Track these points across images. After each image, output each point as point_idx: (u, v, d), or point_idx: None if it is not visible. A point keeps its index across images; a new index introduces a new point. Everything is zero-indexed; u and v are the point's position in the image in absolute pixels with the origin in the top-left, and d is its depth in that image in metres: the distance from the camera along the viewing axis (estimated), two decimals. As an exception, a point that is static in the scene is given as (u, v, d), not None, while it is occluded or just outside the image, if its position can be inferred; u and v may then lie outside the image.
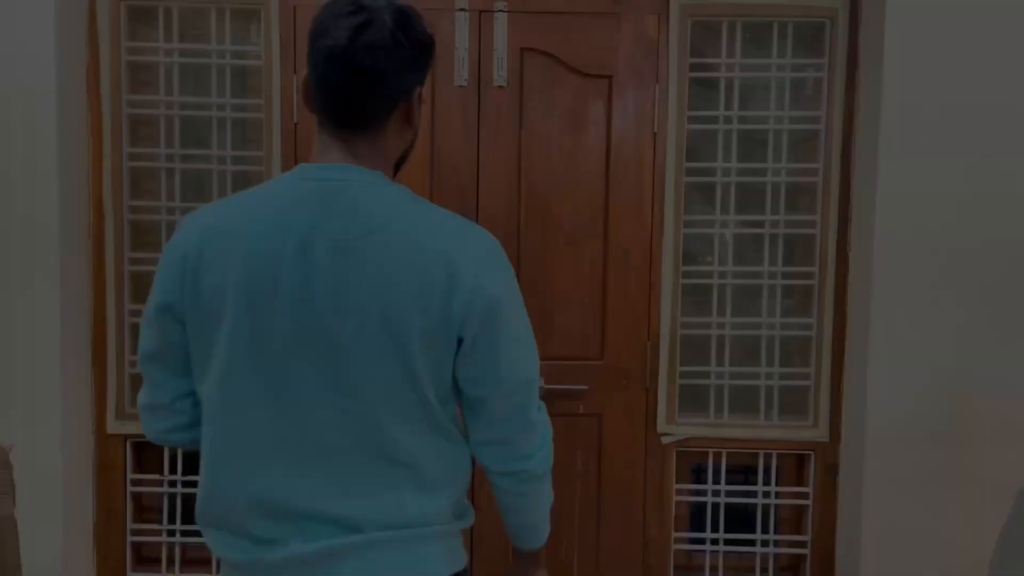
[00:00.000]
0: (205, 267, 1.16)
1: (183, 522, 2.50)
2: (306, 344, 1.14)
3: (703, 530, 2.52)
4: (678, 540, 2.52)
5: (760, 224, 2.46)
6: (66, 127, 2.28)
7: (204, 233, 1.18)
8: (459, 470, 1.27)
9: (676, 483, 2.50)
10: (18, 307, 2.25)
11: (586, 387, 2.45)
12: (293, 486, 1.17)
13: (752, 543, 2.52)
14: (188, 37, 2.45)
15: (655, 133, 2.41)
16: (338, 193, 1.16)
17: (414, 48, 1.17)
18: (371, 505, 1.18)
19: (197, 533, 1.40)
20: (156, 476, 2.50)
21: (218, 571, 1.47)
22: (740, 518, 2.55)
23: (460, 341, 1.17)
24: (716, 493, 2.51)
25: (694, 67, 2.43)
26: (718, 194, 2.46)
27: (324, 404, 1.15)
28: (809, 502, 2.49)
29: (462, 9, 2.39)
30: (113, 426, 2.45)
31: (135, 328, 2.48)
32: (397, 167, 1.28)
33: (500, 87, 2.40)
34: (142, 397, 1.30)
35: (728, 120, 2.44)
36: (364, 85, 1.15)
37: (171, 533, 2.50)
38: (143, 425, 1.32)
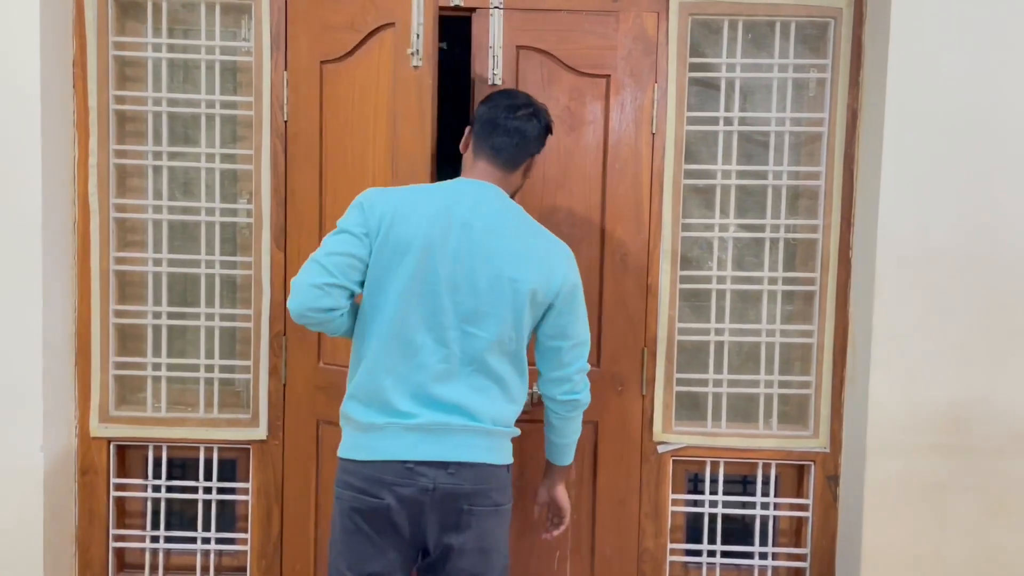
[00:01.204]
0: (398, 220, 1.74)
1: (167, 528, 2.44)
2: (457, 287, 1.74)
3: (700, 541, 2.46)
4: (674, 551, 2.46)
5: (760, 228, 2.41)
6: (51, 122, 2.23)
7: (398, 200, 1.78)
8: (524, 392, 1.87)
9: (672, 493, 2.44)
10: (0, 306, 2.21)
11: (581, 393, 2.39)
12: (430, 379, 1.74)
13: (750, 555, 2.46)
14: (177, 32, 2.41)
15: (654, 134, 2.36)
16: (484, 195, 1.82)
17: (545, 132, 1.92)
18: (481, 402, 1.77)
19: (181, 539, 1.46)
20: (140, 481, 2.45)
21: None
22: (738, 529, 2.50)
23: (550, 307, 1.81)
24: (713, 504, 2.45)
25: (694, 67, 2.37)
26: (717, 197, 2.40)
27: (459, 329, 1.75)
28: (809, 514, 2.43)
29: (457, 6, 2.34)
30: (97, 429, 2.40)
31: (120, 328, 2.43)
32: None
33: (495, 86, 2.34)
34: (313, 277, 1.72)
35: (728, 121, 2.39)
36: (519, 149, 1.87)
37: (155, 539, 2.45)
38: (299, 299, 1.72)
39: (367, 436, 1.77)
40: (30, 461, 2.23)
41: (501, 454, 1.82)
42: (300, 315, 1.73)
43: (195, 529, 2.44)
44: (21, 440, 2.22)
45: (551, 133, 1.94)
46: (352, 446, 1.79)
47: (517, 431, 1.87)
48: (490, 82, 2.33)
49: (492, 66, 2.32)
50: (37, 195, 2.19)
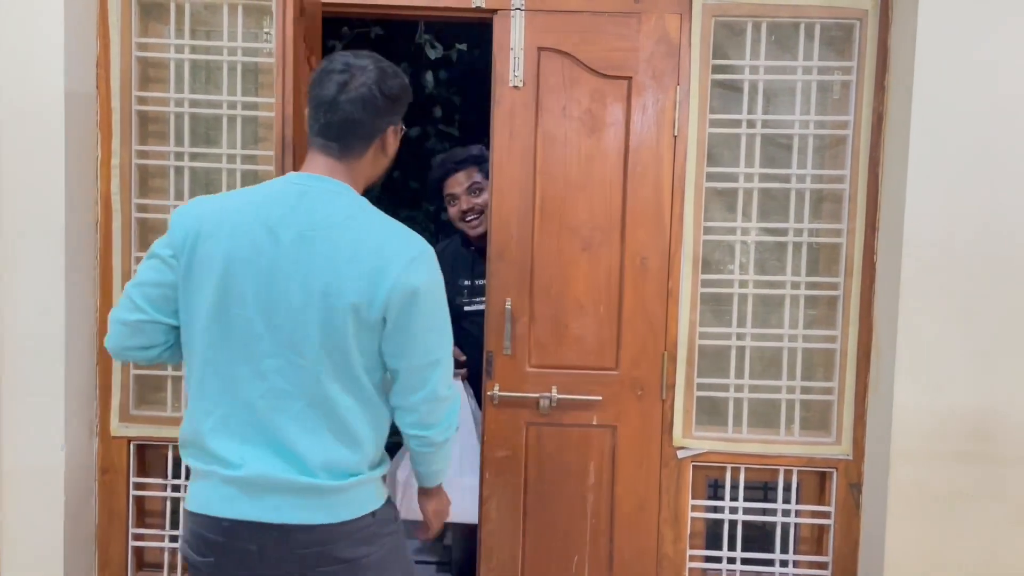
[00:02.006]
0: (203, 238, 1.49)
1: (186, 527, 2.45)
2: (270, 308, 1.47)
3: (719, 548, 2.43)
4: (693, 558, 2.44)
5: (783, 232, 2.38)
6: (74, 123, 2.25)
7: (206, 212, 1.52)
8: (378, 427, 1.58)
9: (692, 499, 2.42)
10: (22, 305, 2.22)
11: (600, 397, 2.38)
12: (251, 419, 1.50)
13: (770, 563, 2.43)
14: (199, 33, 2.42)
15: (675, 136, 2.34)
16: (304, 195, 1.52)
17: (388, 99, 1.56)
18: (311, 447, 1.50)
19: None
20: (160, 480, 2.46)
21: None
22: (758, 536, 2.47)
23: (385, 321, 1.50)
24: (733, 510, 2.42)
25: (717, 69, 2.35)
26: (740, 200, 2.38)
27: (280, 357, 1.48)
28: (830, 521, 2.40)
29: (478, 8, 2.33)
30: (117, 428, 2.41)
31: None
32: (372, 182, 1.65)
33: (516, 87, 2.33)
34: (123, 313, 1.56)
35: (752, 124, 2.36)
36: (345, 127, 1.54)
37: (174, 539, 2.45)
38: (112, 338, 1.57)
39: (194, 484, 1.57)
40: (51, 460, 2.24)
41: (349, 507, 1.54)
42: (117, 354, 1.59)
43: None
44: (43, 439, 2.24)
45: (395, 97, 1.58)
46: (189, 493, 1.59)
47: (377, 472, 1.60)
48: (511, 84, 2.32)
49: (513, 68, 2.32)
50: (60, 195, 2.21)
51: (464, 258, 2.82)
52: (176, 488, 2.45)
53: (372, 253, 1.48)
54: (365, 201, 1.58)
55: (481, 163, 2.72)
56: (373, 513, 1.58)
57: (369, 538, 1.56)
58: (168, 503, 2.45)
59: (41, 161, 2.20)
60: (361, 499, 1.56)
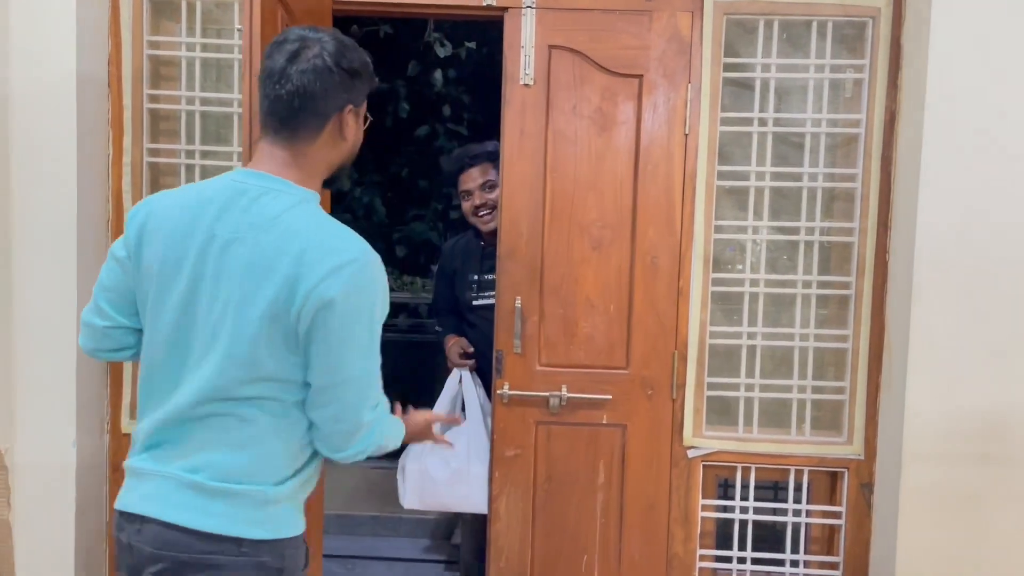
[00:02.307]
0: (145, 239, 1.43)
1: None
2: (193, 312, 1.39)
3: (730, 548, 2.42)
4: (704, 557, 2.43)
5: (795, 231, 2.37)
6: (86, 121, 2.26)
7: (151, 212, 1.45)
8: (293, 448, 1.44)
9: (702, 498, 2.41)
10: (34, 303, 2.23)
11: (610, 396, 2.37)
12: (166, 419, 1.41)
13: (781, 563, 2.42)
14: (210, 32, 2.42)
15: (686, 134, 2.33)
16: (242, 195, 1.41)
17: (345, 73, 1.42)
18: (216, 449, 1.40)
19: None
20: (170, 477, 2.46)
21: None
22: (769, 536, 2.46)
23: (296, 330, 1.37)
24: (744, 510, 2.41)
25: (728, 67, 2.34)
26: (751, 199, 2.37)
27: (204, 364, 1.39)
28: (842, 521, 2.39)
29: (489, 5, 2.33)
30: (128, 425, 2.41)
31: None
32: (334, 176, 1.54)
33: (526, 85, 2.33)
34: (91, 316, 1.52)
35: (763, 122, 2.35)
36: (294, 102, 1.40)
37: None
38: (85, 340, 1.55)
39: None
40: (63, 456, 2.25)
41: (214, 518, 1.37)
42: (91, 355, 1.56)
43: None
44: (55, 436, 2.25)
45: (353, 72, 1.44)
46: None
47: (280, 496, 1.42)
48: (521, 82, 2.32)
49: (524, 66, 2.31)
50: (72, 192, 2.22)
51: (475, 252, 2.84)
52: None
53: (292, 260, 1.35)
54: (308, 201, 1.44)
55: (495, 159, 2.70)
56: (238, 541, 1.38)
57: (223, 568, 1.37)
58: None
59: (53, 158, 2.20)
60: (244, 518, 1.39)
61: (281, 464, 1.44)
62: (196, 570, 1.36)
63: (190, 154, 2.40)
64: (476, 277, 2.82)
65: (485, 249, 2.79)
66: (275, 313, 1.35)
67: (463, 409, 2.66)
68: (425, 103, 5.73)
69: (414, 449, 2.62)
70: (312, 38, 1.42)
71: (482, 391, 2.68)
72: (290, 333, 1.36)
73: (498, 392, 2.39)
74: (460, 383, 2.69)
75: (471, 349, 2.73)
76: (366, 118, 1.54)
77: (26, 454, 2.24)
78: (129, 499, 1.43)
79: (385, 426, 1.51)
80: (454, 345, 2.79)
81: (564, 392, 2.36)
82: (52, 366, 2.23)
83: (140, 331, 1.49)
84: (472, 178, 2.74)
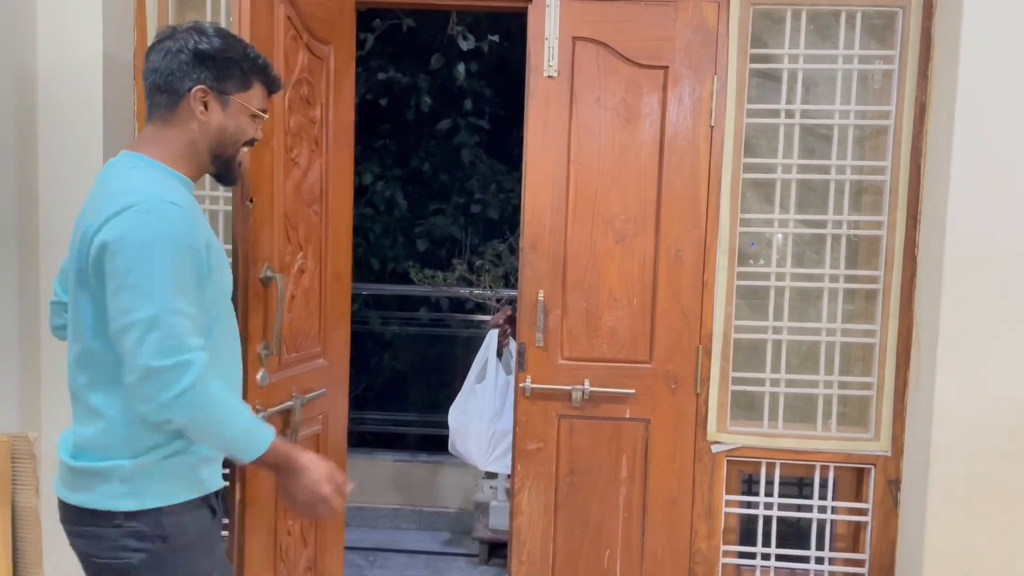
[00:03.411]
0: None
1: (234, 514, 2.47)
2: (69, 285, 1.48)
3: (754, 544, 2.40)
4: (727, 553, 2.41)
5: (822, 224, 2.34)
6: (112, 114, 2.27)
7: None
8: (115, 409, 1.43)
9: (726, 494, 2.39)
10: (50, 294, 2.24)
11: (633, 391, 2.36)
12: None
13: (806, 559, 2.40)
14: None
15: (712, 127, 2.30)
16: (106, 170, 1.51)
17: (192, 55, 1.49)
18: (78, 417, 1.48)
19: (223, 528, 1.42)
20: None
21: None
22: (793, 533, 2.44)
23: (92, 284, 1.41)
24: (768, 506, 2.39)
25: (755, 58, 2.31)
26: (778, 191, 2.34)
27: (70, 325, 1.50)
28: (868, 518, 2.36)
29: (513, -4, 2.32)
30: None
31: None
32: (220, 169, 1.58)
33: (550, 77, 2.32)
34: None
35: (790, 114, 2.32)
36: (151, 85, 1.51)
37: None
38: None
39: None
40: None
41: (81, 493, 1.45)
42: (54, 332, 1.69)
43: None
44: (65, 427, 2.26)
45: (202, 55, 1.49)
46: None
47: (116, 466, 1.43)
48: (545, 74, 2.30)
49: (548, 57, 2.30)
50: (98, 185, 2.23)
51: None
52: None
53: (94, 208, 1.42)
54: (146, 168, 1.48)
55: None
56: (95, 513, 1.43)
57: (95, 539, 1.44)
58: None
59: (80, 151, 2.22)
60: (95, 488, 1.44)
61: (109, 432, 1.44)
62: (81, 538, 1.46)
63: (214, 146, 2.41)
64: None
65: None
66: (79, 267, 1.41)
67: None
68: (447, 97, 5.71)
69: (458, 401, 3.08)
70: (181, 28, 1.53)
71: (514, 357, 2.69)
72: (89, 285, 1.40)
73: (520, 385, 2.38)
74: (489, 344, 3.07)
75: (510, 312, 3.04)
76: (259, 115, 1.59)
77: (51, 444, 2.25)
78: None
79: (213, 397, 1.39)
80: (502, 312, 3.14)
81: (587, 386, 2.34)
82: (64, 359, 2.25)
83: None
84: None
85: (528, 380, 2.37)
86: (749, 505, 2.43)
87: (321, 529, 2.34)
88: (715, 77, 2.29)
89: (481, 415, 2.95)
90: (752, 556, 2.41)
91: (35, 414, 2.25)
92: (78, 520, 1.44)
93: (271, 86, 1.62)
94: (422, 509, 3.94)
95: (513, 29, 5.19)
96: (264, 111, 1.61)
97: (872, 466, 2.34)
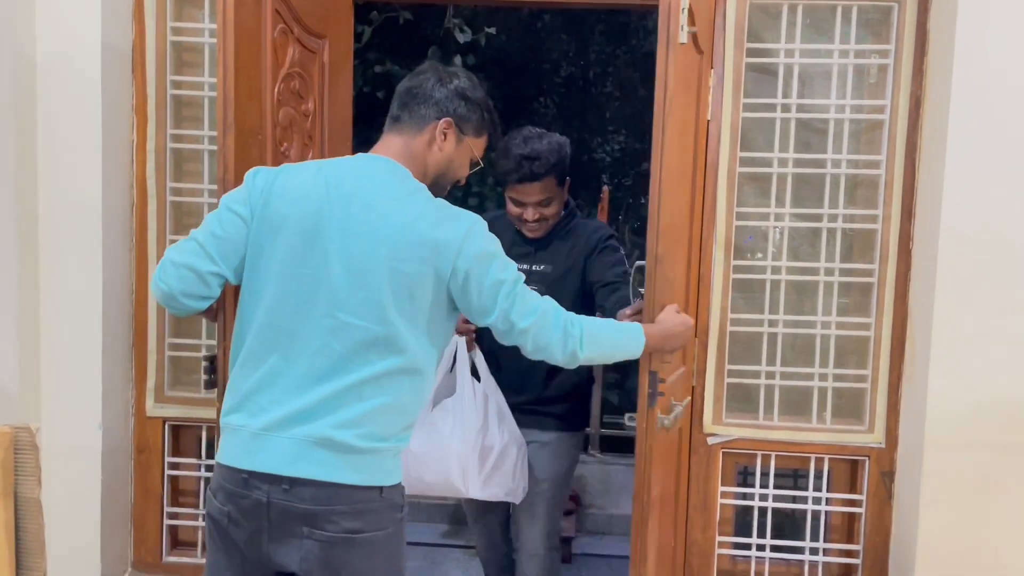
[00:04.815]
0: (275, 195, 1.58)
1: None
2: (333, 268, 1.56)
3: (749, 535, 2.42)
4: (722, 544, 2.43)
5: (818, 218, 2.36)
6: (111, 107, 2.28)
7: (280, 174, 1.62)
8: (419, 401, 1.66)
9: (721, 485, 2.41)
10: (60, 286, 2.26)
11: (630, 383, 2.37)
12: (299, 376, 1.56)
13: (800, 550, 2.42)
14: (233, 18, 2.42)
15: (709, 120, 2.31)
16: (368, 166, 1.66)
17: (454, 91, 1.70)
18: (352, 408, 1.56)
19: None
20: (194, 460, 2.49)
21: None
22: (788, 524, 2.46)
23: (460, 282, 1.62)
24: (764, 497, 2.41)
25: (751, 52, 2.32)
26: (773, 185, 2.35)
27: (334, 317, 1.56)
28: (862, 510, 2.38)
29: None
30: (152, 409, 2.45)
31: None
32: (435, 188, 1.72)
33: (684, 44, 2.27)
34: (193, 260, 1.57)
35: (786, 108, 2.34)
36: (412, 102, 1.70)
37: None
38: (174, 283, 1.57)
39: (224, 437, 1.62)
40: (89, 439, 2.29)
41: (365, 473, 1.56)
42: (172, 299, 1.59)
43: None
44: (81, 418, 2.28)
45: (463, 95, 1.70)
46: (220, 447, 1.64)
47: (400, 446, 1.63)
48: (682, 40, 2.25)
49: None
50: (97, 178, 2.24)
51: (507, 234, 2.51)
52: (210, 468, 2.48)
53: (441, 230, 1.58)
54: (413, 184, 1.66)
55: (557, 171, 2.44)
56: (380, 489, 1.58)
57: (371, 514, 1.56)
58: (202, 483, 2.49)
59: (79, 145, 2.23)
60: (381, 468, 1.58)
61: (406, 418, 1.63)
62: (354, 516, 1.55)
63: (213, 140, 2.41)
64: None
65: (516, 234, 2.54)
66: (424, 270, 1.56)
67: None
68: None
69: (416, 424, 2.51)
70: (443, 67, 1.75)
71: (483, 364, 2.48)
72: (439, 285, 1.58)
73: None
74: (455, 354, 2.48)
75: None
76: (476, 163, 1.80)
77: (53, 436, 2.27)
78: (266, 459, 1.53)
79: (592, 325, 1.71)
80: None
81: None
82: (78, 349, 2.27)
83: (226, 282, 1.62)
84: (530, 193, 2.42)
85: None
86: (744, 497, 2.45)
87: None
88: (712, 71, 2.30)
89: (463, 433, 2.38)
90: (747, 547, 2.43)
91: (35, 407, 2.26)
92: (334, 498, 1.53)
93: (492, 141, 1.84)
94: (420, 501, 3.95)
95: (510, 23, 5.19)
96: (480, 163, 1.83)
97: (866, 458, 2.36)
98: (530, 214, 2.43)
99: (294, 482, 1.51)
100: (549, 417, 2.48)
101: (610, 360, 1.79)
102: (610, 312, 2.31)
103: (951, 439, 2.15)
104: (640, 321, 1.87)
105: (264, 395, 1.55)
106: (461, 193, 5.88)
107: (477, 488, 2.36)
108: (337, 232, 1.54)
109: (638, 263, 2.24)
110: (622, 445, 4.65)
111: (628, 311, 2.10)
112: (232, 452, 1.57)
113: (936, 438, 2.15)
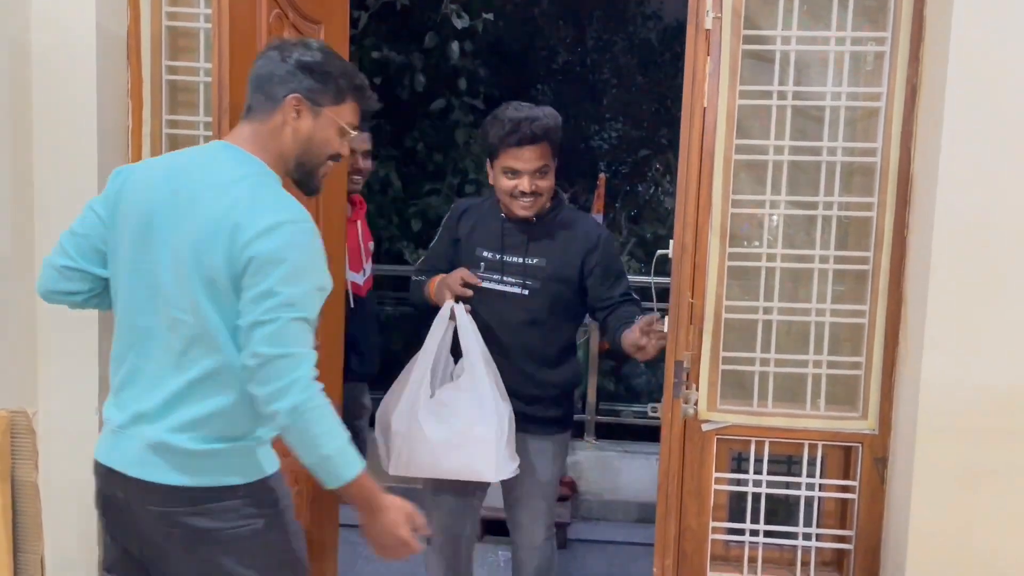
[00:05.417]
0: (125, 192, 1.64)
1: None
2: (172, 262, 1.57)
3: (743, 520, 2.44)
4: (716, 530, 2.44)
5: (813, 205, 2.36)
6: (106, 92, 2.28)
7: (133, 169, 1.70)
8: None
9: (715, 471, 2.42)
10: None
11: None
12: (150, 373, 1.61)
13: (794, 536, 2.43)
14: (229, 3, 2.41)
15: (704, 108, 2.31)
16: (207, 154, 1.68)
17: (294, 65, 1.62)
18: (191, 405, 1.58)
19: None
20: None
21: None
22: (782, 510, 2.47)
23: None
24: (757, 483, 2.42)
25: (748, 39, 2.32)
26: (769, 173, 2.35)
27: (172, 313, 1.58)
28: (855, 496, 2.40)
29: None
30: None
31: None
32: (301, 177, 1.70)
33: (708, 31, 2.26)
34: (54, 257, 1.66)
35: (783, 95, 2.33)
36: (250, 84, 1.65)
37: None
38: (41, 279, 1.67)
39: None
40: (86, 424, 2.28)
41: (208, 476, 1.56)
42: (46, 297, 1.70)
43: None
44: (78, 403, 2.29)
45: (307, 68, 1.63)
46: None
47: (261, 438, 1.62)
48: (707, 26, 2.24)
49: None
50: (93, 164, 2.24)
51: (492, 225, 2.51)
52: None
53: (239, 216, 1.53)
54: (263, 175, 1.62)
55: (552, 138, 2.38)
56: (230, 488, 1.56)
57: (219, 513, 1.55)
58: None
59: (74, 130, 2.23)
60: (229, 466, 1.57)
61: (245, 415, 1.58)
62: (202, 516, 1.56)
63: (208, 126, 2.41)
64: (489, 255, 2.48)
65: (505, 224, 2.51)
66: (209, 263, 1.51)
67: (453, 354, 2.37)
68: (441, 76, 5.70)
69: (402, 405, 2.33)
70: (287, 41, 1.69)
71: (470, 321, 2.32)
72: (216, 281, 1.51)
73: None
74: (452, 319, 2.30)
75: (476, 281, 2.39)
76: (345, 132, 1.69)
77: (50, 420, 2.28)
78: (120, 457, 1.58)
79: (323, 406, 1.53)
80: (455, 272, 2.40)
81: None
82: (75, 334, 2.27)
83: (97, 279, 1.65)
84: (528, 159, 2.34)
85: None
86: (738, 483, 2.46)
87: (316, 505, 2.37)
88: (708, 59, 2.30)
89: (482, 414, 2.21)
90: (741, 532, 2.44)
91: (31, 391, 2.27)
92: (175, 500, 1.53)
93: (365, 105, 1.73)
94: (418, 488, 3.96)
95: (507, 8, 5.17)
96: (354, 128, 1.71)
97: (859, 444, 2.38)
98: (526, 184, 2.36)
99: (139, 483, 1.54)
100: (550, 423, 2.52)
101: (303, 455, 1.54)
102: (614, 331, 2.32)
103: (944, 426, 2.16)
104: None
105: (125, 391, 1.60)
106: (458, 181, 5.88)
107: (502, 470, 2.28)
108: (166, 226, 1.54)
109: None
110: (617, 432, 4.67)
111: (636, 330, 2.14)
112: (99, 445, 1.64)
113: (929, 425, 2.16)
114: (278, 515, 1.61)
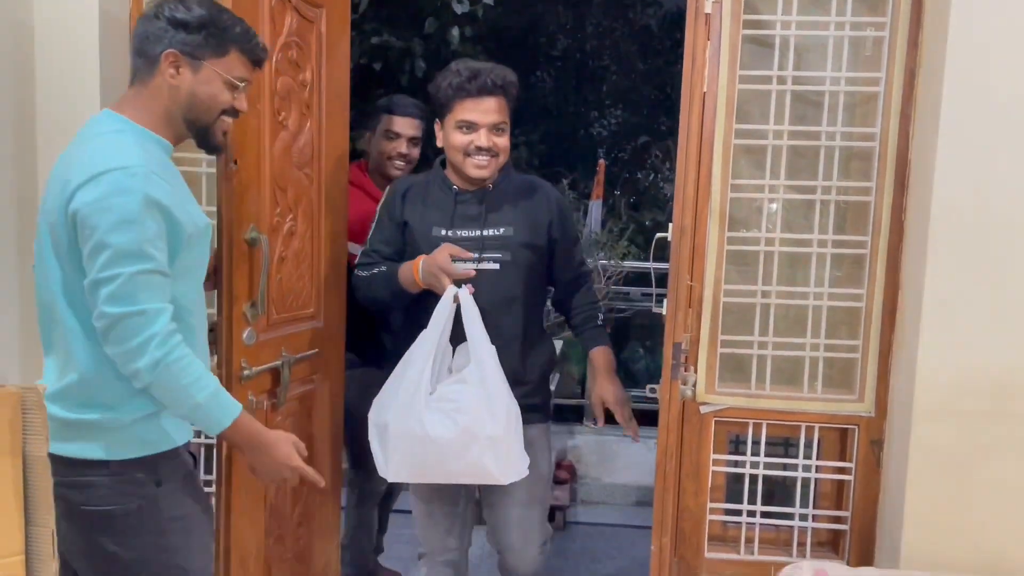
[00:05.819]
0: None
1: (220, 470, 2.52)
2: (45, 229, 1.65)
3: (740, 501, 2.47)
4: (713, 511, 2.47)
5: (812, 190, 2.38)
6: (108, 75, 2.27)
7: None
8: (94, 360, 1.59)
9: (713, 453, 2.45)
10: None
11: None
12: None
13: (790, 516, 2.47)
14: (230, -14, 2.42)
15: (704, 92, 2.32)
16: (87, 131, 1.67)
17: (167, 21, 1.57)
18: (50, 368, 1.67)
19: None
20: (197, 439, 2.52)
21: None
22: (779, 491, 2.50)
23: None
24: (755, 465, 2.45)
25: (748, 24, 2.33)
26: (768, 158, 2.37)
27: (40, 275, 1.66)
28: (851, 477, 2.42)
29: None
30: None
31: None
32: (196, 127, 1.66)
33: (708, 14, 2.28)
34: None
35: (782, 80, 2.35)
36: (131, 46, 1.64)
37: (207, 484, 2.52)
38: None
39: None
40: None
41: (78, 444, 1.57)
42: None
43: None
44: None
45: (181, 23, 1.58)
46: None
47: (138, 415, 1.58)
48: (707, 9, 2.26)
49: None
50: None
51: (443, 200, 2.31)
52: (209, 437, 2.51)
53: (75, 172, 1.54)
54: (127, 131, 1.60)
55: (510, 94, 2.26)
56: (107, 463, 1.56)
57: (81, 489, 1.55)
58: (202, 449, 2.52)
59: (78, 115, 2.22)
60: (97, 439, 1.57)
61: (93, 384, 1.59)
62: (68, 487, 1.60)
63: (211, 109, 2.42)
64: (446, 232, 2.27)
65: (459, 196, 2.30)
66: (52, 222, 1.53)
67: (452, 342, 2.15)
68: (441, 61, 5.70)
69: (397, 402, 2.10)
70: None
71: (473, 306, 2.14)
72: (59, 244, 1.52)
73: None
74: (456, 303, 2.09)
75: (468, 255, 2.19)
76: (234, 84, 1.63)
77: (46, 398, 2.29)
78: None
79: (183, 358, 1.52)
80: (442, 250, 2.17)
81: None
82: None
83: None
84: (486, 111, 2.18)
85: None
86: (736, 464, 2.49)
87: (315, 487, 2.39)
88: (708, 43, 2.31)
89: (491, 410, 2.02)
90: (738, 513, 2.47)
91: (38, 367, 2.27)
92: (68, 471, 1.56)
93: (252, 55, 1.64)
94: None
95: (507, -7, 5.16)
96: (243, 80, 1.64)
97: (856, 427, 2.40)
98: (483, 138, 2.19)
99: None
100: (535, 411, 2.41)
101: (176, 409, 1.56)
102: (583, 339, 2.47)
103: (939, 408, 2.18)
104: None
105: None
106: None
107: (513, 471, 2.11)
108: (44, 210, 1.60)
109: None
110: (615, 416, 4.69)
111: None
112: None
113: (924, 407, 2.19)
114: (157, 500, 1.57)
